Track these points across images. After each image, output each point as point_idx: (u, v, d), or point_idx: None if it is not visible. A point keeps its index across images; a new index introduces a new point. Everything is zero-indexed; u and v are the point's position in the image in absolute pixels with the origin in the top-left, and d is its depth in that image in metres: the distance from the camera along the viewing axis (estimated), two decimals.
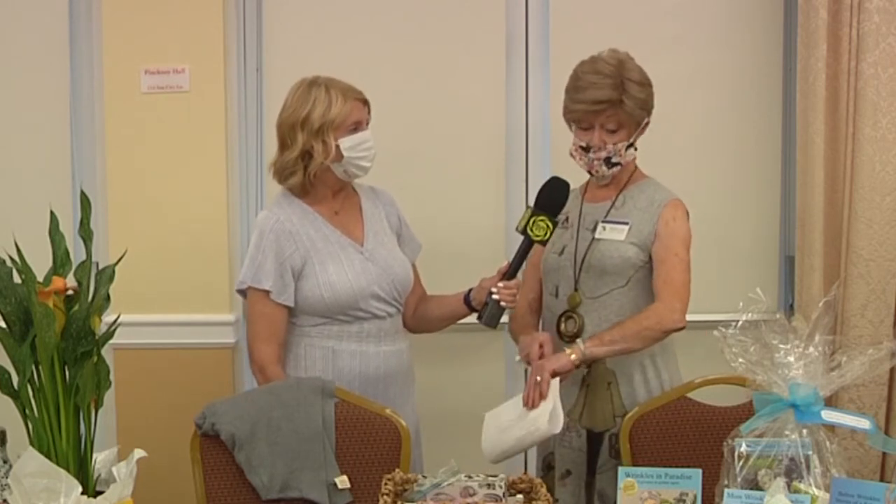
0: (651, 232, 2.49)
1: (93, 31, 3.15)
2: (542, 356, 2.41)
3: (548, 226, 2.43)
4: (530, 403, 2.32)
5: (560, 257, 2.58)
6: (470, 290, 2.62)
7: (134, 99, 3.09)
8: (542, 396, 2.32)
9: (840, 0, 2.95)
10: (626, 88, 2.44)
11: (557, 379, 2.35)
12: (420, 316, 2.72)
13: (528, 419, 2.31)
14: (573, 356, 2.37)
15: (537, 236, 2.44)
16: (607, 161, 2.50)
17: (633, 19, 3.18)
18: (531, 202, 2.51)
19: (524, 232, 2.44)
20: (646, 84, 2.50)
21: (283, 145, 2.53)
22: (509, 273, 2.48)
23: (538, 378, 2.33)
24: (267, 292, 2.49)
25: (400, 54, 3.19)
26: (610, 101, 2.44)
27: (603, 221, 2.54)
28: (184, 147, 3.11)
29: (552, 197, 2.47)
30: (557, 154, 2.97)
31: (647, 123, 2.52)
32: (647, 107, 2.50)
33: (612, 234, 2.51)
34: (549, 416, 2.29)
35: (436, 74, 3.20)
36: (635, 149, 2.53)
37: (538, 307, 2.68)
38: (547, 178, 2.53)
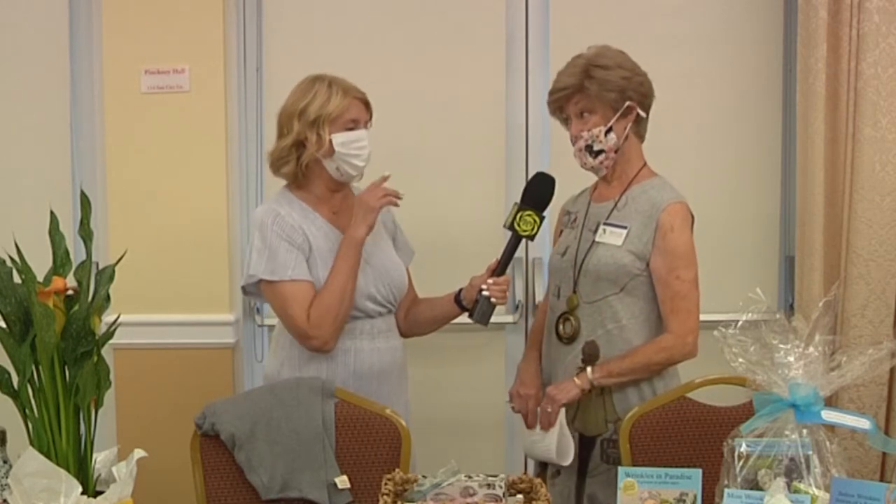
0: (649, 240, 2.45)
1: (93, 31, 3.16)
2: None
3: (535, 220, 2.45)
4: (534, 426, 2.47)
5: (562, 258, 2.57)
6: (460, 290, 2.61)
7: (134, 99, 3.10)
8: (551, 424, 2.42)
9: (840, 0, 2.95)
10: (590, 74, 2.44)
11: (563, 410, 2.45)
12: (412, 319, 2.70)
13: (542, 446, 2.47)
14: (581, 384, 2.43)
15: (524, 231, 2.46)
16: (589, 149, 2.49)
17: (634, 19, 3.18)
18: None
19: (511, 227, 2.46)
20: (618, 68, 2.45)
21: (280, 134, 2.54)
22: (499, 269, 2.50)
23: (548, 409, 2.44)
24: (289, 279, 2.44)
25: (400, 54, 3.19)
26: (569, 86, 2.46)
27: (604, 223, 2.52)
28: (184, 147, 3.11)
29: (538, 191, 2.49)
30: (557, 153, 2.97)
31: (629, 108, 2.45)
32: (620, 89, 2.44)
33: (611, 238, 2.48)
34: (556, 449, 2.44)
35: (436, 73, 3.20)
36: (616, 135, 2.46)
37: None
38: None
